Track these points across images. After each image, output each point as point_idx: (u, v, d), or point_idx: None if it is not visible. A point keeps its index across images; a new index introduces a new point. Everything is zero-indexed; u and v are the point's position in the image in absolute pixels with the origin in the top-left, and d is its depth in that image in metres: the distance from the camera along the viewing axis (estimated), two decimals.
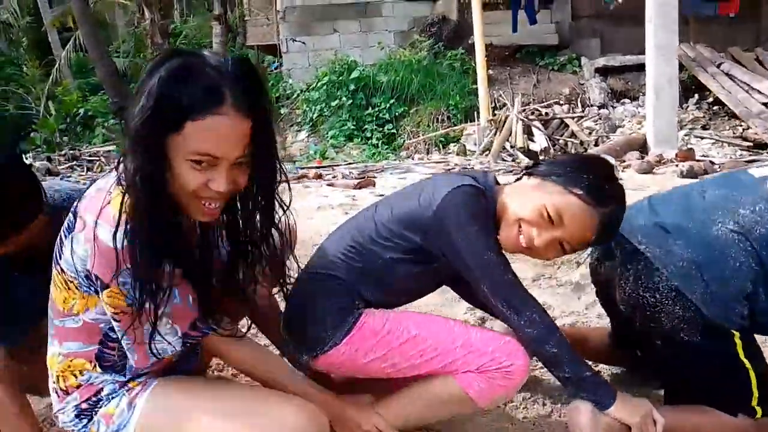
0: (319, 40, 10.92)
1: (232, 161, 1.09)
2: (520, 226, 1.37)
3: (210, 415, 1.24)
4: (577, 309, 2.35)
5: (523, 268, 2.86)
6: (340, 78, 9.67)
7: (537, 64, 9.85)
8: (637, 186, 4.98)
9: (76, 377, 1.28)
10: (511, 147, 7.45)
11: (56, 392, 1.31)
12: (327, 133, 9.61)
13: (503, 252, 1.41)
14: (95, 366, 1.27)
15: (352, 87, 9.52)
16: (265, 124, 1.12)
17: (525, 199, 1.38)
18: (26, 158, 10.04)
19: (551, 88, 9.31)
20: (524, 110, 8.16)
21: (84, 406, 1.28)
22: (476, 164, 6.99)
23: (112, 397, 1.27)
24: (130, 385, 1.28)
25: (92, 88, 14.35)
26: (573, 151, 7.23)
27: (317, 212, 4.58)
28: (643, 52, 6.69)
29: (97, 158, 9.07)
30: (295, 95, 10.74)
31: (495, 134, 7.83)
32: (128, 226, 1.10)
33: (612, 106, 8.73)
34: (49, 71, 15.72)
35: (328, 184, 6.17)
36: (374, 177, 6.20)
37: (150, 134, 1.06)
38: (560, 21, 10.23)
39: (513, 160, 7.13)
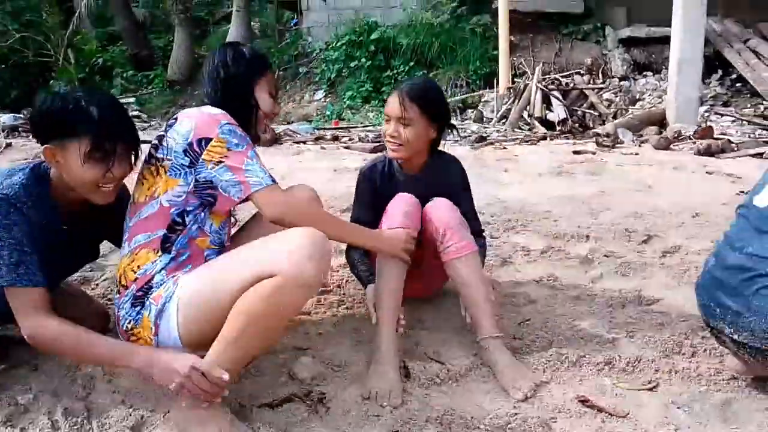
0: None
1: None
2: None
3: (230, 258, 1.48)
4: (584, 283, 2.42)
5: (532, 239, 2.92)
6: (360, 38, 9.59)
7: (560, 32, 9.65)
8: (654, 161, 4.98)
9: (134, 272, 1.49)
10: (529, 116, 7.42)
11: (118, 292, 1.52)
12: (344, 94, 9.59)
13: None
14: (158, 251, 1.48)
15: (371, 48, 9.45)
16: None
17: None
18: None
19: (573, 57, 9.16)
20: (544, 79, 8.07)
21: (138, 294, 1.47)
22: (493, 132, 6.97)
23: (161, 284, 1.47)
24: (177, 273, 1.49)
25: (110, 38, 14.31)
26: (591, 123, 7.18)
27: (334, 174, 4.64)
28: (670, 24, 6.57)
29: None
30: (314, 54, 10.67)
31: (513, 102, 7.79)
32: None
33: (633, 79, 8.61)
34: (69, 19, 15.63)
35: (345, 147, 6.22)
36: None
37: None
38: None
39: (530, 129, 7.11)
